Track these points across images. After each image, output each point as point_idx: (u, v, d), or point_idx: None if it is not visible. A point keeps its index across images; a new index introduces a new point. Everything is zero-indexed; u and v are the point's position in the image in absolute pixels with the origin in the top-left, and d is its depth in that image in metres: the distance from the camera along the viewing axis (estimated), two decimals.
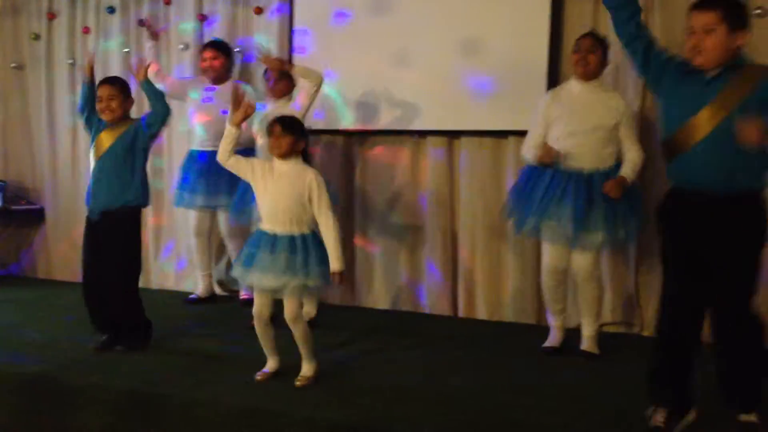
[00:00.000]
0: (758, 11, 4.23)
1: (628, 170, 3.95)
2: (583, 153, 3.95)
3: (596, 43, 4.04)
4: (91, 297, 4.18)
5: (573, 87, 4.09)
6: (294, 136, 3.51)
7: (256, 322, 3.60)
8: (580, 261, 4.05)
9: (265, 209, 3.55)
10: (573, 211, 3.90)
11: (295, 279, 3.45)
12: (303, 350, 3.61)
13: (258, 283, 3.50)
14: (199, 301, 5.44)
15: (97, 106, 4.09)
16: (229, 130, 3.53)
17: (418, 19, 5.07)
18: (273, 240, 3.49)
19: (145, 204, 4.20)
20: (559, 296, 4.20)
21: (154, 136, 4.17)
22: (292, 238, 3.48)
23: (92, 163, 4.16)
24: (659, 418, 2.92)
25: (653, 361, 3.00)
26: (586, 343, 4.14)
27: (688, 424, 2.98)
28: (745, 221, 2.79)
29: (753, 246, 2.82)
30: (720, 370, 2.97)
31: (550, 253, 4.12)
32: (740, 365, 2.92)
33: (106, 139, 4.09)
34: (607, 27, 4.50)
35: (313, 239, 3.52)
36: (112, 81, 4.18)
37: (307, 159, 3.72)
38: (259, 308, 3.58)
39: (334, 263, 3.47)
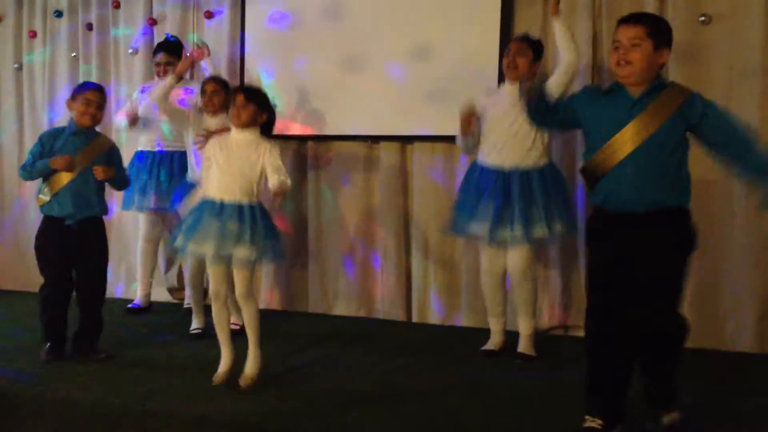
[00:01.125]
0: (703, 18, 4.31)
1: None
2: (505, 151, 4.03)
3: (525, 46, 4.09)
4: (60, 304, 4.12)
5: (506, 87, 4.15)
6: (256, 106, 3.50)
7: (213, 303, 3.56)
8: (515, 260, 4.09)
9: (214, 179, 3.51)
10: (492, 209, 3.97)
11: (243, 248, 3.41)
12: (251, 335, 3.56)
13: (201, 249, 3.45)
14: (140, 310, 5.33)
15: (80, 109, 4.06)
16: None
17: (370, 24, 5.08)
18: (220, 208, 3.45)
19: (107, 211, 4.30)
20: (498, 298, 4.24)
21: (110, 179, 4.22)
22: (240, 207, 3.44)
23: (57, 178, 4.05)
24: (595, 424, 2.88)
25: (587, 371, 2.99)
26: (523, 344, 4.17)
27: None
28: (666, 236, 2.81)
29: (674, 256, 2.84)
30: (647, 373, 2.98)
31: (486, 255, 4.18)
32: (665, 367, 2.95)
33: (84, 158, 4.06)
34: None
35: (262, 211, 3.49)
36: (102, 89, 4.22)
37: (269, 134, 3.65)
38: (215, 285, 3.55)
39: (273, 180, 3.43)
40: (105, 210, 4.23)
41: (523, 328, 4.18)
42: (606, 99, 2.90)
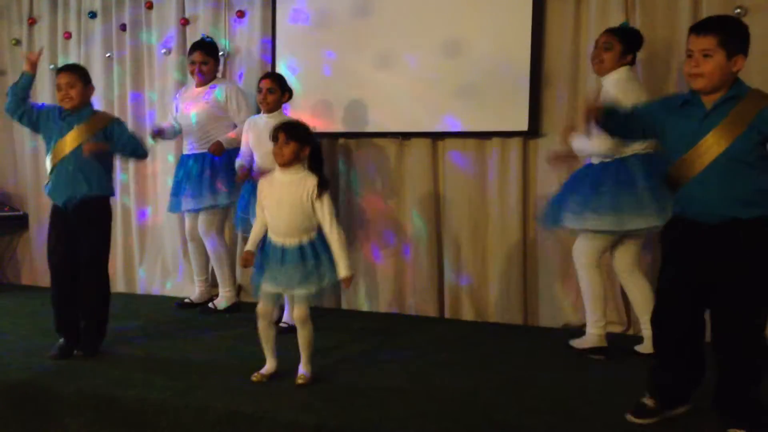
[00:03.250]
0: (738, 10, 4.25)
1: None
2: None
3: (614, 39, 3.94)
4: (61, 295, 4.06)
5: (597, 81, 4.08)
6: (298, 143, 3.49)
7: (260, 321, 3.60)
8: (624, 256, 4.02)
9: (271, 220, 3.55)
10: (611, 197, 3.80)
11: (306, 286, 3.47)
12: (304, 354, 3.60)
13: (271, 289, 3.53)
14: (192, 305, 5.38)
15: (57, 95, 4.05)
16: None
17: (402, 21, 5.08)
18: (281, 252, 3.50)
19: (113, 193, 4.22)
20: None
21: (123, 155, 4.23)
22: (300, 248, 3.49)
23: (58, 154, 4.00)
24: (650, 402, 2.99)
25: (655, 357, 3.08)
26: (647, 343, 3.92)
27: (677, 415, 3.02)
28: (746, 248, 2.77)
29: (753, 270, 2.79)
30: (721, 382, 2.94)
31: (592, 246, 4.01)
32: (740, 382, 2.89)
33: (75, 137, 3.98)
34: (588, 27, 4.60)
35: (321, 243, 3.52)
36: (71, 68, 4.14)
37: (318, 162, 3.62)
38: (265, 307, 3.58)
39: (342, 270, 3.49)
40: (105, 190, 4.07)
41: (647, 327, 3.92)
42: (682, 109, 2.87)
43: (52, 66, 6.25)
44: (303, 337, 3.59)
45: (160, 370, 3.85)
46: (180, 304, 5.42)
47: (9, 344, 4.36)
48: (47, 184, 4.08)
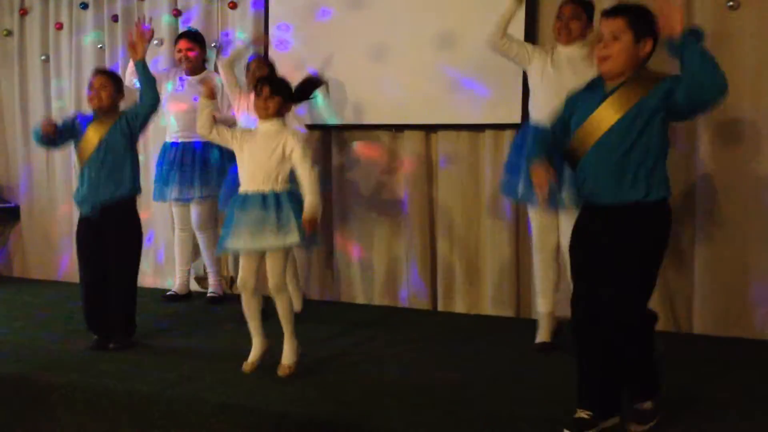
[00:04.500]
0: (731, 3, 4.25)
1: None
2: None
3: (580, 9, 4.00)
4: (91, 297, 4.10)
5: (558, 49, 4.07)
6: (282, 98, 3.53)
7: (241, 293, 3.58)
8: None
9: (242, 172, 3.54)
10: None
11: (269, 237, 3.42)
12: (285, 326, 3.58)
13: (235, 246, 3.48)
14: (175, 298, 5.40)
15: (87, 94, 4.11)
16: (201, 103, 3.58)
17: (395, 13, 5.06)
18: (243, 199, 3.48)
19: (139, 191, 4.19)
20: (549, 275, 4.11)
21: (144, 124, 4.16)
22: (263, 196, 3.45)
23: (79, 161, 4.12)
24: (585, 414, 2.86)
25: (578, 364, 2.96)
26: None
27: (611, 425, 2.92)
28: (624, 231, 2.75)
29: (631, 251, 2.75)
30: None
31: (537, 229, 4.08)
32: (639, 359, 2.89)
33: (94, 134, 4.04)
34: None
35: (288, 196, 3.48)
36: (106, 72, 4.21)
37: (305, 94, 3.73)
38: (244, 276, 3.55)
39: (306, 209, 3.42)
40: (129, 191, 4.08)
41: None
42: (584, 92, 2.89)
43: (43, 56, 6.22)
44: (281, 309, 3.55)
45: (151, 362, 3.85)
46: (166, 297, 5.40)
47: (0, 336, 4.35)
48: (76, 191, 4.16)
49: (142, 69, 4.08)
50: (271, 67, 4.73)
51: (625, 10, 2.79)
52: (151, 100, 4.09)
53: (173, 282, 5.56)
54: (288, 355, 3.61)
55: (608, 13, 2.81)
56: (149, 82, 4.09)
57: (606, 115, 2.75)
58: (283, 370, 3.58)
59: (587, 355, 2.88)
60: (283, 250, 3.53)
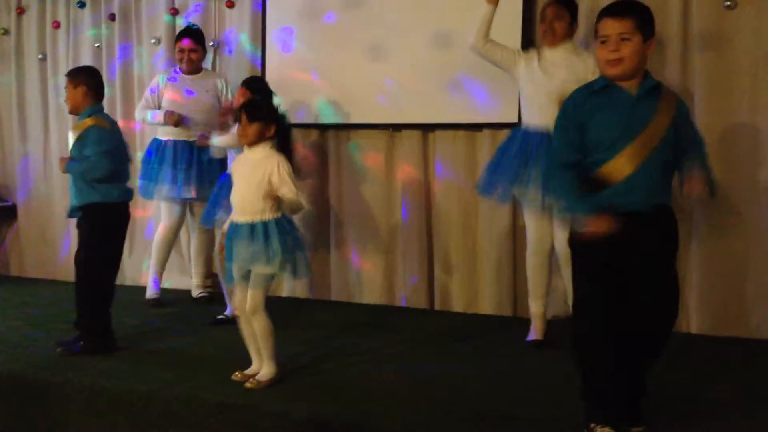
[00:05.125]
0: (728, 3, 4.25)
1: None
2: (550, 113, 3.67)
3: (563, 10, 4.03)
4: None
5: (544, 52, 4.09)
6: (260, 123, 3.45)
7: (239, 318, 3.56)
8: (564, 236, 4.01)
9: (233, 198, 3.52)
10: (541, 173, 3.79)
11: (255, 267, 3.40)
12: (264, 349, 3.50)
13: (231, 276, 3.49)
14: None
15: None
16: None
17: (392, 13, 5.06)
18: (234, 228, 3.46)
19: (109, 200, 4.03)
20: (542, 279, 4.16)
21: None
22: (251, 226, 3.41)
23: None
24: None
25: (581, 378, 2.85)
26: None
27: None
28: (667, 234, 2.78)
29: (673, 254, 2.82)
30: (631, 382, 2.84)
31: (533, 231, 4.11)
32: (642, 378, 2.87)
33: (71, 138, 4.06)
34: (581, 15, 4.56)
35: (276, 226, 3.42)
36: (72, 73, 4.16)
37: (286, 145, 3.57)
38: (239, 302, 3.53)
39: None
40: (100, 196, 3.98)
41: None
42: (599, 97, 2.75)
43: (40, 55, 6.21)
44: (258, 331, 3.47)
45: (149, 361, 3.85)
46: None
47: None
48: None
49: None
50: (262, 89, 4.47)
51: (631, 10, 2.73)
52: (97, 174, 3.95)
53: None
54: (265, 372, 3.50)
55: (613, 13, 2.72)
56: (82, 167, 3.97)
57: (660, 123, 2.71)
58: (253, 384, 3.45)
59: (606, 363, 2.76)
60: (266, 276, 3.48)
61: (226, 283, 4.42)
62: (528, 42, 4.65)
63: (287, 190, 3.38)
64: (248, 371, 3.58)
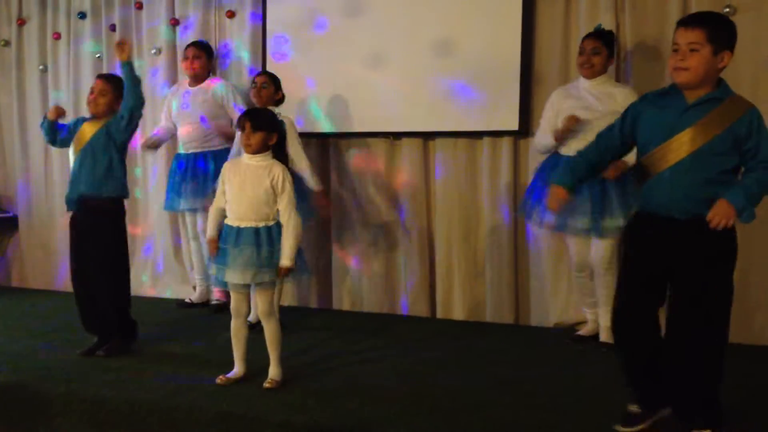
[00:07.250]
0: (727, 9, 4.26)
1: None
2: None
3: (600, 44, 4.13)
4: (80, 296, 4.15)
5: (581, 83, 4.19)
6: (264, 132, 3.51)
7: (233, 319, 3.60)
8: (601, 251, 4.13)
9: (231, 204, 3.54)
10: (590, 199, 3.98)
11: (260, 272, 3.45)
12: (272, 352, 3.58)
13: (228, 278, 3.50)
14: (192, 305, 5.39)
15: (88, 97, 4.16)
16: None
17: (392, 22, 5.08)
18: (237, 233, 3.48)
19: (125, 195, 4.20)
20: (590, 290, 4.31)
21: (128, 127, 4.09)
22: (256, 230, 3.46)
23: (72, 157, 4.17)
24: (634, 408, 2.98)
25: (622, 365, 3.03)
26: (605, 334, 4.19)
27: (662, 417, 2.99)
28: (706, 246, 2.77)
29: (719, 269, 2.80)
30: (679, 385, 2.91)
31: (575, 248, 4.26)
32: (702, 381, 2.87)
33: (88, 131, 4.10)
34: (578, 27, 4.61)
35: (279, 231, 3.50)
36: (108, 78, 4.23)
37: (283, 151, 3.70)
38: (237, 304, 3.58)
39: (283, 258, 3.46)
40: (113, 191, 4.08)
41: (605, 319, 4.18)
42: (662, 100, 2.85)
43: (41, 66, 6.23)
44: (268, 333, 3.57)
45: (150, 370, 3.84)
46: (181, 304, 5.42)
47: None
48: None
49: (127, 71, 4.06)
50: (274, 79, 4.70)
51: (704, 21, 2.77)
52: (132, 104, 4.05)
53: (194, 291, 5.53)
54: (275, 373, 3.58)
55: (686, 24, 2.78)
56: (134, 83, 4.07)
57: (695, 135, 2.73)
58: (271, 384, 3.54)
59: (636, 355, 2.95)
60: (274, 279, 3.54)
61: (213, 284, 4.78)
62: (527, 44, 4.69)
63: (287, 200, 3.47)
64: (230, 375, 3.62)
